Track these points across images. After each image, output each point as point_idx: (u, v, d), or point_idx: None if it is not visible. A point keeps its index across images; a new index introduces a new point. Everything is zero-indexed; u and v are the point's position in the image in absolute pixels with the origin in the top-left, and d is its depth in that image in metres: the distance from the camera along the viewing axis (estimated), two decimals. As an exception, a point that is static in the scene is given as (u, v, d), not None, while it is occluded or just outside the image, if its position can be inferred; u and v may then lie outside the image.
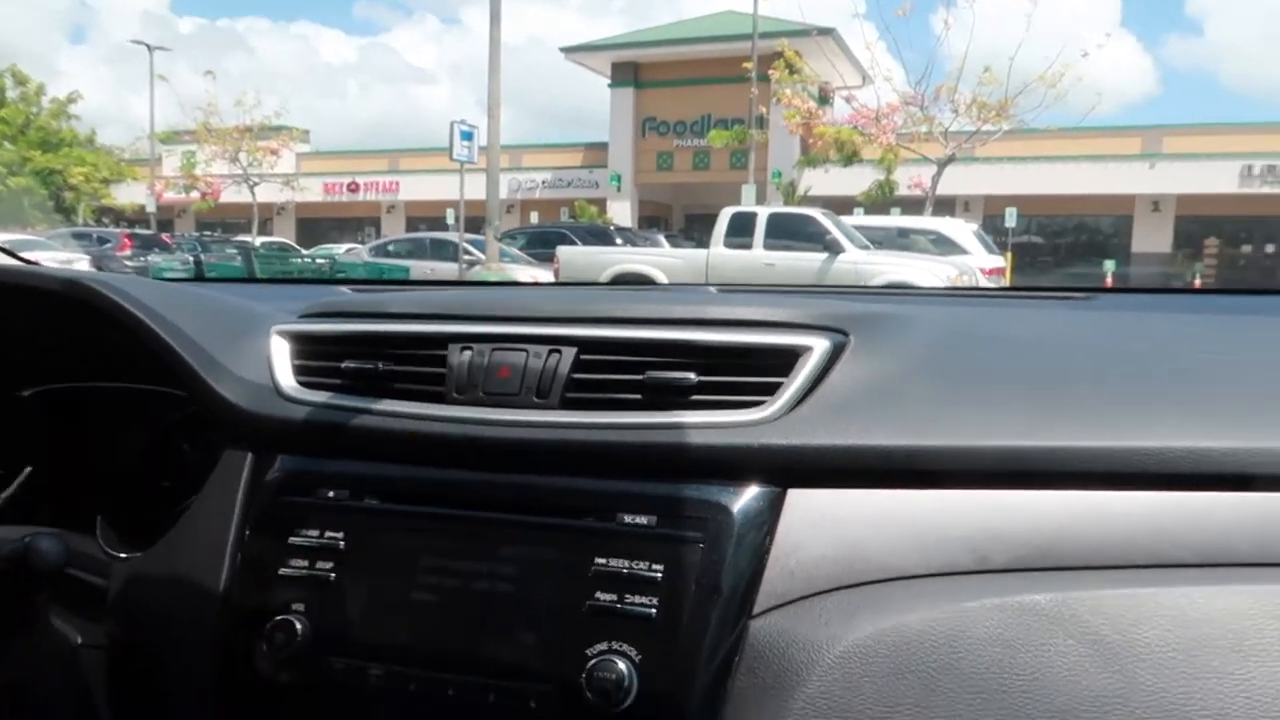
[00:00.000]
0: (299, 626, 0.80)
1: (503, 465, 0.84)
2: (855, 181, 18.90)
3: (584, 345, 0.87)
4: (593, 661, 0.73)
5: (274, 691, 0.81)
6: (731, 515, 0.76)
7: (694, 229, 24.66)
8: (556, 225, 19.16)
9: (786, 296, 1.09)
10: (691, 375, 0.83)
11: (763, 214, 11.30)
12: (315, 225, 30.50)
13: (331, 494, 0.86)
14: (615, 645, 0.74)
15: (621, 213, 25.42)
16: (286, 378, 0.94)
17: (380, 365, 0.91)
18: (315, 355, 0.95)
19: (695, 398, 0.82)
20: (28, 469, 1.14)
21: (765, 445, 0.78)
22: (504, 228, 16.63)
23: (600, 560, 0.77)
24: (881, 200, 18.46)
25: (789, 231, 10.90)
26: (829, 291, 1.44)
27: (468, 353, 0.89)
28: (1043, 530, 0.71)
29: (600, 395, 0.85)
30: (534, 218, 24.49)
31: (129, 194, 28.85)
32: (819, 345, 0.83)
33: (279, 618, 0.81)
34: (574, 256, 12.24)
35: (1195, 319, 1.16)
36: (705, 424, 0.80)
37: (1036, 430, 0.75)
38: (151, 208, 26.56)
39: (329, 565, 0.83)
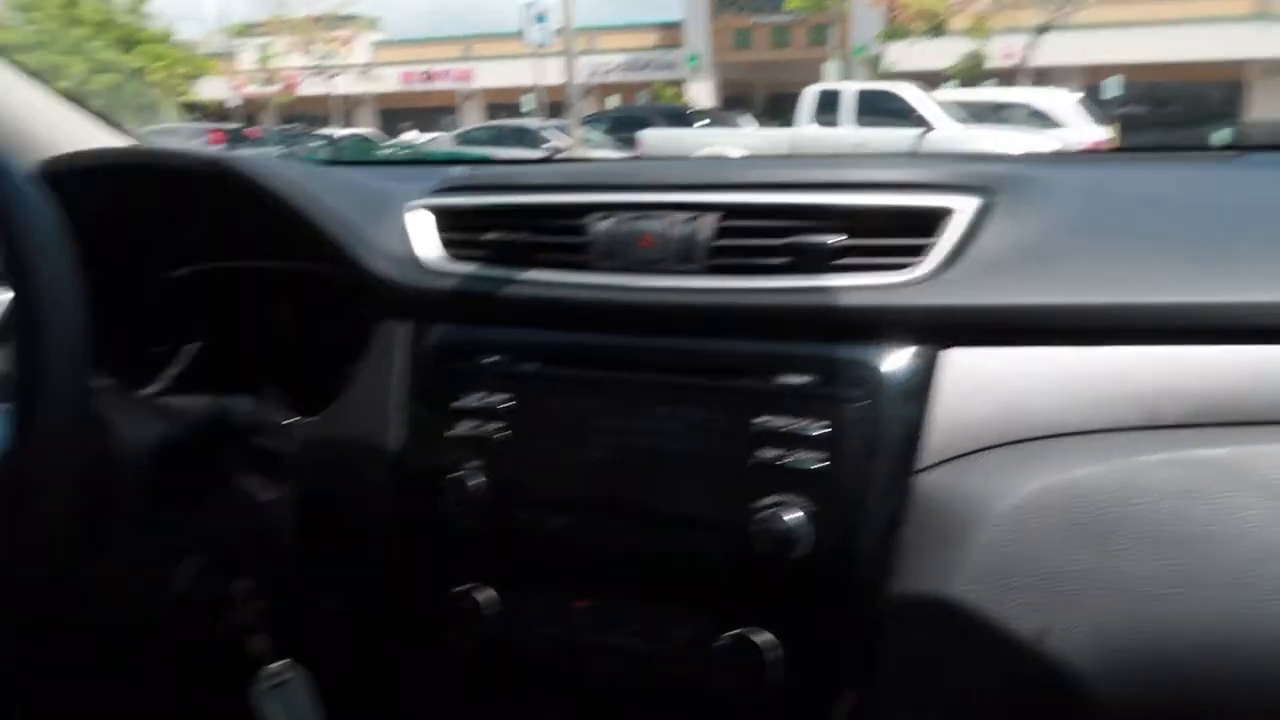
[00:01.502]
0: (474, 482, 0.84)
1: (652, 330, 0.86)
2: (944, 55, 18.00)
3: (727, 211, 0.87)
4: (761, 514, 0.75)
5: (453, 544, 0.86)
6: (889, 375, 0.77)
7: (777, 110, 23.96)
8: (638, 108, 18.79)
9: (925, 159, 1.07)
10: (838, 238, 0.82)
11: (849, 91, 10.92)
12: (394, 116, 30.52)
13: (493, 359, 0.89)
14: (783, 498, 0.76)
15: (702, 94, 24.76)
16: (431, 251, 0.97)
17: (523, 236, 0.92)
18: (456, 229, 0.97)
19: (842, 261, 0.82)
20: (187, 346, 1.21)
21: (919, 305, 0.78)
22: (583, 113, 16.41)
23: (761, 419, 0.78)
24: (974, 74, 17.58)
25: (877, 108, 10.53)
26: (959, 158, 1.39)
27: (609, 221, 0.90)
28: (1215, 385, 0.70)
29: (745, 261, 0.85)
30: (612, 102, 24.07)
31: (209, 90, 29.18)
32: (966, 206, 0.82)
33: (454, 475, 0.85)
34: (658, 140, 12.03)
35: None
36: (856, 286, 0.80)
37: (1198, 286, 0.74)
38: (234, 102, 26.85)
39: (497, 426, 0.86)
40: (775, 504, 0.75)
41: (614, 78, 27.45)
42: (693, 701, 0.80)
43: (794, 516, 0.74)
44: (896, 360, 0.77)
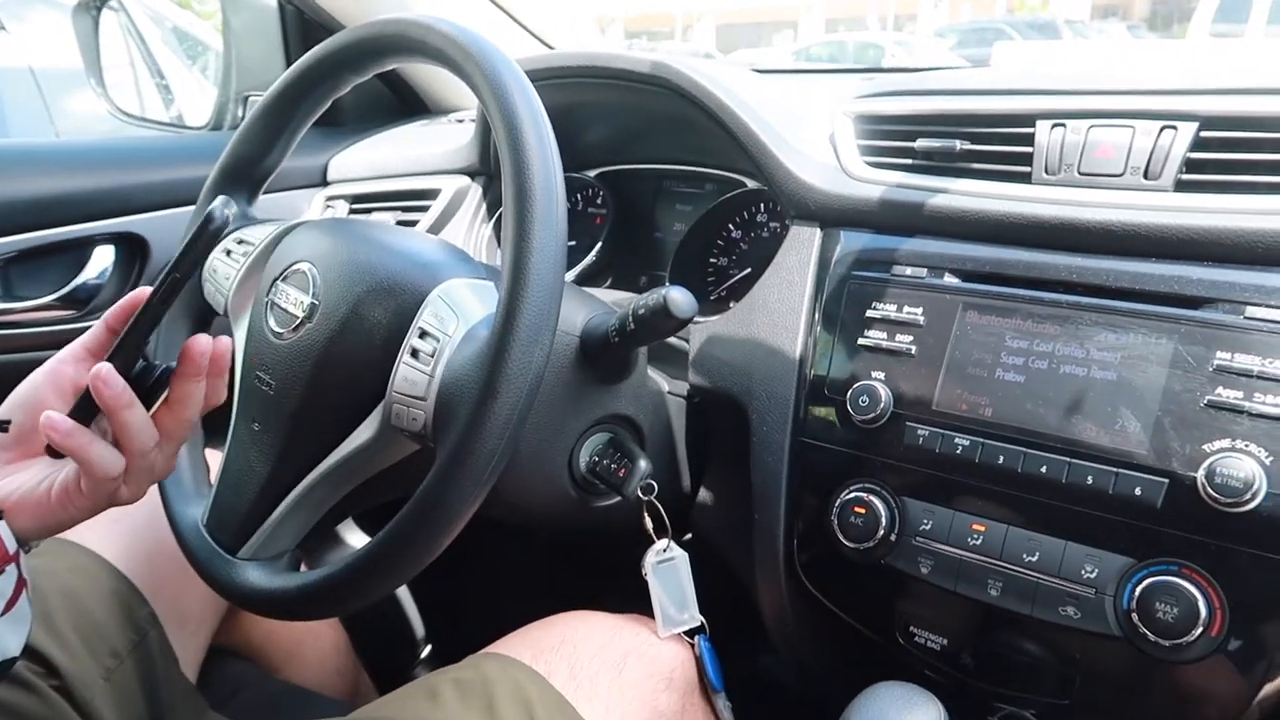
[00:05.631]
0: (882, 393, 0.84)
1: (1100, 249, 0.80)
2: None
3: (1207, 121, 0.78)
4: (1211, 459, 0.69)
5: (846, 452, 0.87)
6: None
7: (1159, 20, 21.00)
8: (992, 21, 17.34)
9: None
10: None
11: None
12: (732, 32, 30.54)
13: (909, 271, 0.88)
14: (1240, 445, 0.69)
15: (1071, 2, 22.24)
16: (852, 157, 0.96)
17: (959, 145, 0.89)
18: (882, 135, 0.95)
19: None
20: (597, 244, 1.30)
21: None
22: (933, 25, 15.41)
23: (1224, 355, 0.71)
24: None
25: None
26: None
27: (1060, 130, 0.84)
28: None
29: (1224, 178, 0.76)
30: (966, 13, 22.34)
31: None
32: None
33: (861, 383, 0.86)
34: (1016, 56, 11.05)
35: None
36: None
37: None
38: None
39: (909, 339, 0.85)
40: (1230, 449, 0.69)
41: (968, -13, 25.43)
42: (1084, 641, 0.76)
43: (1252, 464, 0.68)
44: None
